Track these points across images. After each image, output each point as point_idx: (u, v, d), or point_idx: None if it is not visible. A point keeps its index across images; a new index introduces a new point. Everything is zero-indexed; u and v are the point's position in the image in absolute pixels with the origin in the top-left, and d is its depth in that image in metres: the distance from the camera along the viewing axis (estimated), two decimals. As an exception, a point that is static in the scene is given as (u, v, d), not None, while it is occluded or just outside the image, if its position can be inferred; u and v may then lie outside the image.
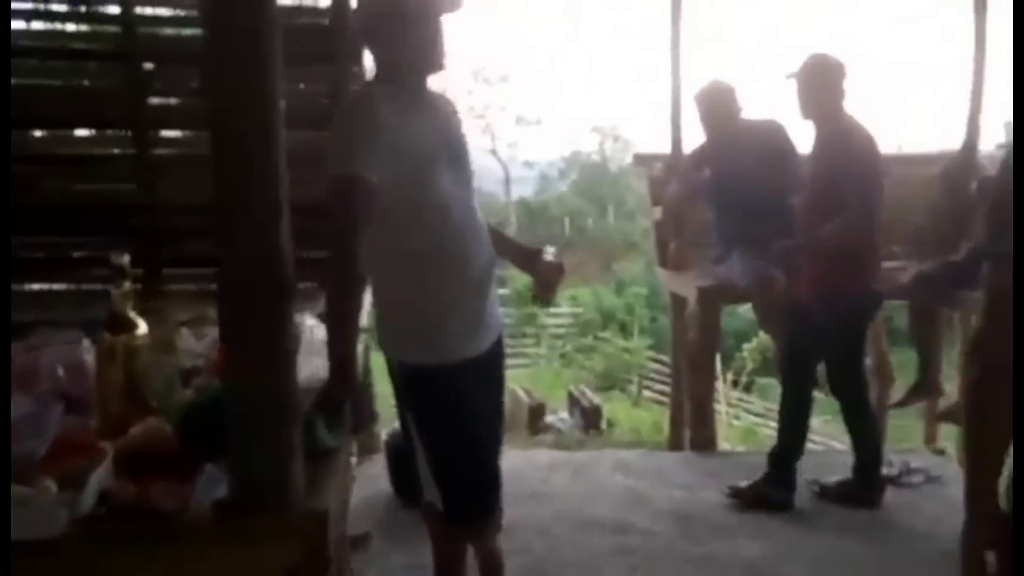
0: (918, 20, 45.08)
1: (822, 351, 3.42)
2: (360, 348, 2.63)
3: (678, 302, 4.69)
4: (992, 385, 1.35)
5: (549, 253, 2.22)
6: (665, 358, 13.70)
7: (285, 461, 1.21)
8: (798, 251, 3.38)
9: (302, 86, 3.64)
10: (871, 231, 3.27)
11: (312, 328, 2.26)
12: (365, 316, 2.39)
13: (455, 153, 2.01)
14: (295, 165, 1.93)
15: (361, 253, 1.82)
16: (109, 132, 3.68)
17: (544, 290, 2.21)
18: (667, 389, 12.58)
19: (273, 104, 1.21)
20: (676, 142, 4.64)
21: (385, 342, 2.10)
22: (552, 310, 14.78)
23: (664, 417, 7.71)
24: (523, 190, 29.86)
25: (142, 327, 1.66)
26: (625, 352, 13.58)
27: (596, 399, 8.03)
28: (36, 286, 3.68)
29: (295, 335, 1.79)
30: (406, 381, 2.06)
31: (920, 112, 33.88)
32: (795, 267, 3.47)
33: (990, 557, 1.40)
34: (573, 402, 7.97)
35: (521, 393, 7.88)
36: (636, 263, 21.37)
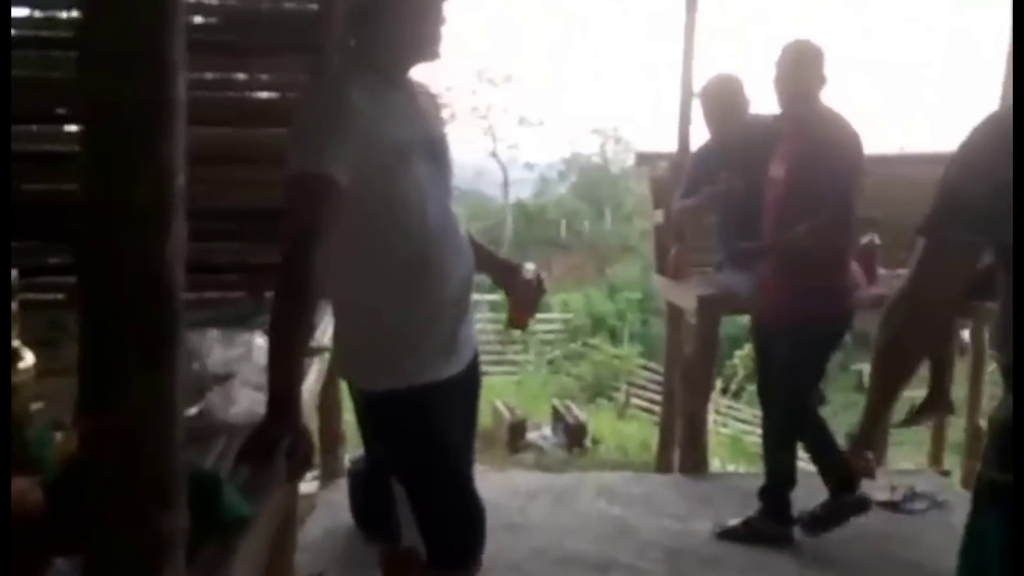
0: (922, 20, 45.16)
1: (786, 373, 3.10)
2: (319, 369, 2.39)
3: (675, 312, 4.42)
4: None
5: (530, 270, 1.97)
6: (655, 365, 13.54)
7: (158, 555, 0.94)
8: (765, 254, 3.11)
9: (302, 78, 3.35)
10: (848, 235, 2.99)
11: (261, 350, 2.03)
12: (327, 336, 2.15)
13: (435, 150, 1.79)
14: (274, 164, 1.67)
15: (319, 264, 1.58)
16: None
17: (520, 310, 1.97)
18: (656, 397, 12.50)
19: (168, 81, 0.92)
20: (683, 139, 4.31)
21: (346, 366, 1.86)
22: (542, 315, 14.49)
23: (652, 431, 7.47)
24: (523, 192, 29.91)
25: (28, 358, 1.39)
26: (615, 359, 13.33)
27: (581, 415, 7.68)
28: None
29: (194, 379, 1.53)
30: (373, 409, 1.82)
31: (917, 111, 33.88)
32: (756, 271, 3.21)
33: None
34: (557, 418, 7.62)
35: (502, 408, 7.53)
36: (631, 267, 21.17)
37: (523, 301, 1.98)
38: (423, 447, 1.81)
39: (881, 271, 3.82)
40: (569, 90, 49.34)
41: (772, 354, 3.18)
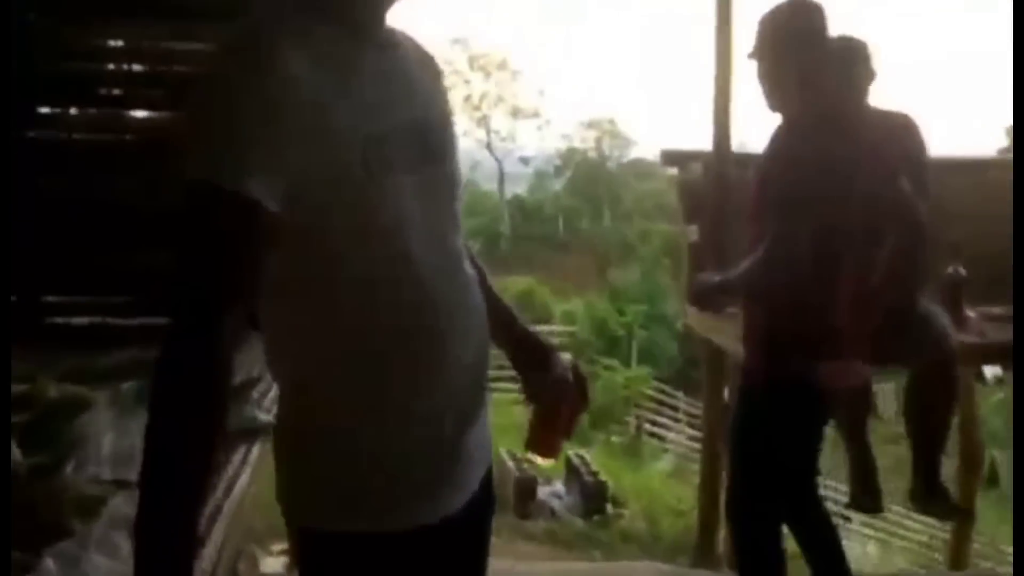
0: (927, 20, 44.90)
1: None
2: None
3: (714, 354, 3.55)
4: None
5: (564, 364, 1.25)
6: (668, 388, 12.84)
7: None
8: (725, 291, 2.42)
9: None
10: (786, 269, 2.06)
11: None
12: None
13: (427, 144, 1.07)
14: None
15: (232, 342, 0.94)
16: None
17: (550, 429, 1.24)
18: (668, 423, 11.84)
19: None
20: (721, 137, 3.51)
21: (288, 496, 1.13)
22: (543, 328, 13.64)
23: (683, 487, 6.65)
24: (517, 187, 29.63)
25: None
26: (627, 384, 12.56)
27: (599, 472, 6.67)
28: None
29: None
30: (321, 558, 1.10)
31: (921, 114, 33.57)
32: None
33: None
34: (571, 473, 6.68)
35: (507, 460, 6.49)
36: (632, 270, 20.56)
37: (558, 414, 1.21)
38: None
39: (969, 313, 2.81)
40: (566, 82, 48.95)
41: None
